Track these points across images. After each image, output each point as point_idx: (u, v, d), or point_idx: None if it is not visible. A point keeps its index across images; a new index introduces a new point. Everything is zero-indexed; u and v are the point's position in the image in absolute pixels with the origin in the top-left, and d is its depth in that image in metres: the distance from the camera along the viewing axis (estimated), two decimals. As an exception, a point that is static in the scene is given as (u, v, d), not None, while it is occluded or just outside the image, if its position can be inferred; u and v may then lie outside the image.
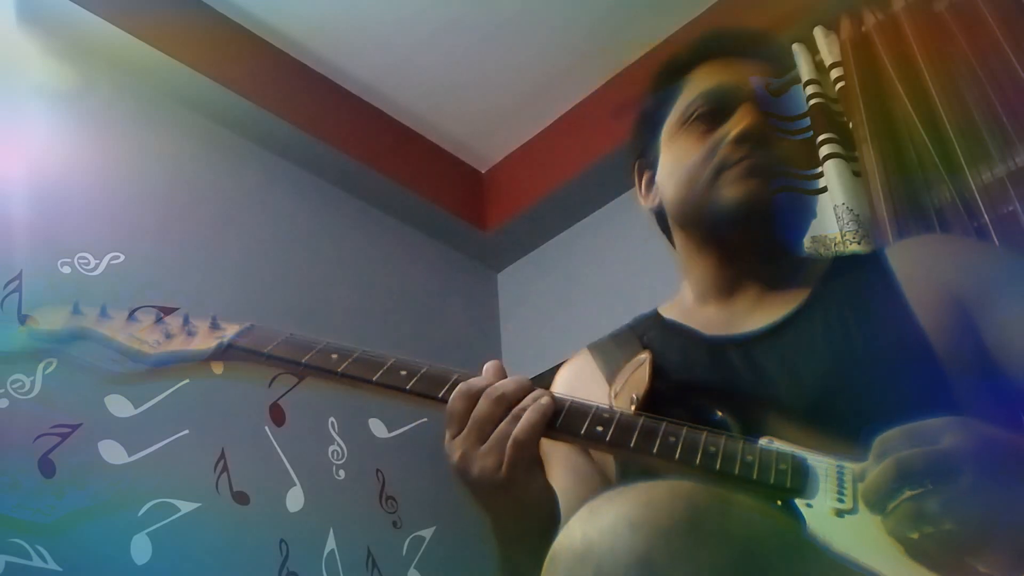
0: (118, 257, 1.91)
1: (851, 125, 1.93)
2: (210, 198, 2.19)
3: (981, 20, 1.80)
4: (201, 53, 2.18)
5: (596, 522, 0.54)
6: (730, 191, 0.91)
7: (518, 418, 0.74)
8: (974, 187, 1.70)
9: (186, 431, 1.82)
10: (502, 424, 0.74)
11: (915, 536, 0.59)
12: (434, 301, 2.66)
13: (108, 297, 1.82)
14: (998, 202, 1.68)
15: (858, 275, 0.92)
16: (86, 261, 1.86)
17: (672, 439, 0.72)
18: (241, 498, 1.88)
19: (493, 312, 2.85)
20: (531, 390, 0.77)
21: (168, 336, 0.90)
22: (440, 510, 2.21)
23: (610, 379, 0.92)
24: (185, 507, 1.76)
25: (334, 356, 0.84)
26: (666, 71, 1.04)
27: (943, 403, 0.71)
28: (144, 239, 1.98)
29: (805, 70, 2.05)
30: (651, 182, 1.04)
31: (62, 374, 1.65)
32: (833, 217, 1.84)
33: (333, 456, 2.10)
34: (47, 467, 1.62)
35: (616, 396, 0.87)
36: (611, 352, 0.98)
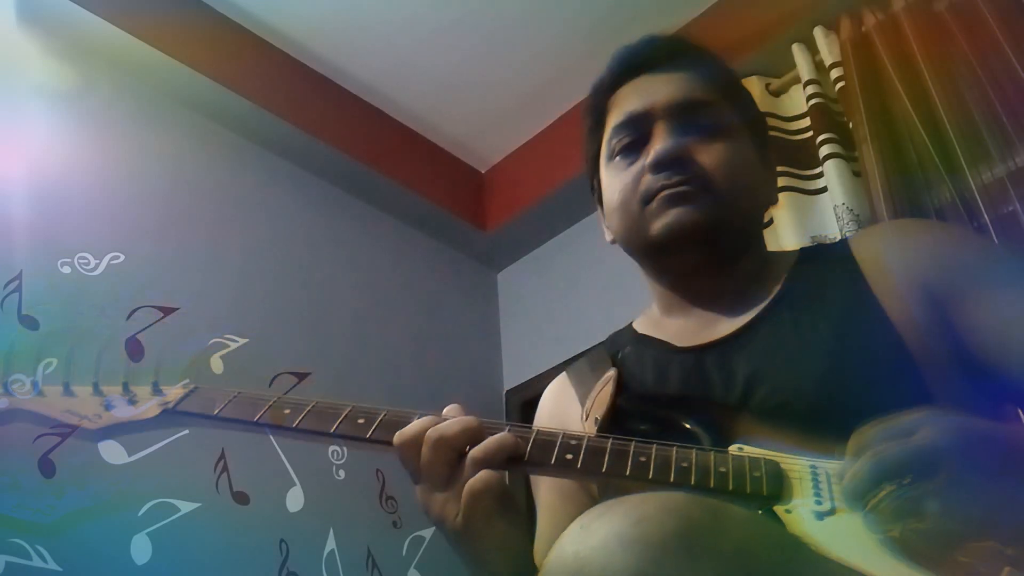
0: (118, 257, 1.91)
1: (851, 125, 1.93)
2: (210, 198, 2.19)
3: (981, 20, 1.80)
4: (201, 53, 2.18)
5: (588, 539, 0.53)
6: (656, 224, 0.89)
7: (477, 464, 0.72)
8: (974, 187, 1.70)
9: (186, 431, 1.82)
10: (465, 472, 0.72)
11: (897, 532, 0.59)
12: (434, 301, 2.66)
13: (108, 297, 1.83)
14: (998, 202, 1.68)
15: (824, 268, 0.90)
16: (86, 261, 1.86)
17: (643, 458, 0.71)
18: (241, 498, 1.88)
19: (493, 312, 2.85)
20: (478, 430, 0.74)
21: (108, 407, 0.87)
22: (440, 510, 2.20)
23: (583, 401, 0.92)
24: (185, 507, 1.76)
25: (287, 411, 0.81)
26: (588, 104, 1.03)
27: (918, 397, 0.71)
28: (144, 239, 1.98)
29: (805, 70, 2.05)
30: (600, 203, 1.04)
31: (62, 374, 1.65)
32: (833, 217, 1.84)
33: (333, 456, 2.10)
34: (47, 467, 1.62)
35: (586, 418, 0.86)
36: (584, 374, 0.97)
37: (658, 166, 0.89)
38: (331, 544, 1.99)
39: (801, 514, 0.65)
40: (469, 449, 0.73)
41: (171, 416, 0.85)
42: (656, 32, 1.06)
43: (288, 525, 1.93)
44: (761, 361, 0.83)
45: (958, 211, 1.70)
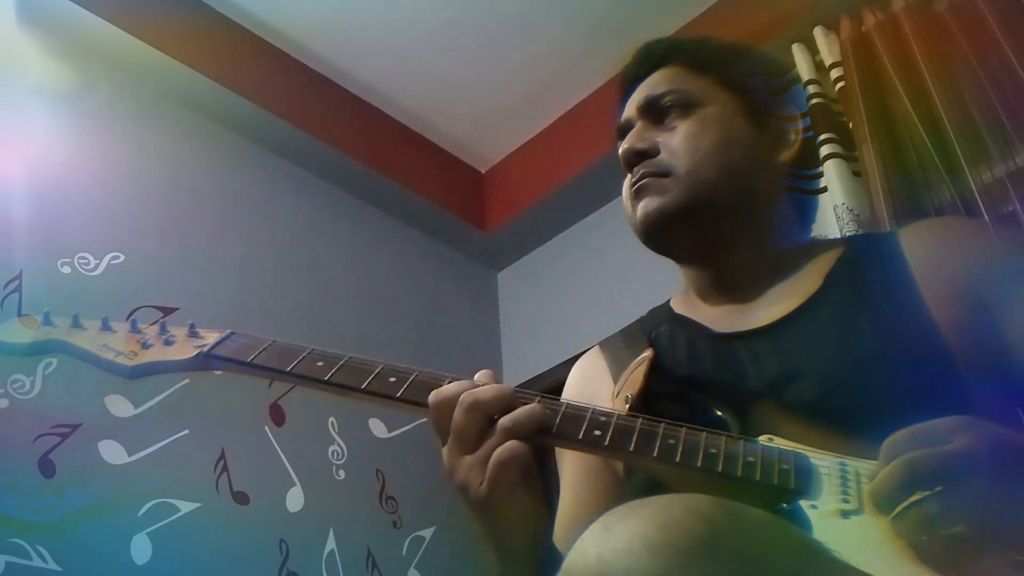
0: (118, 257, 1.91)
1: (851, 125, 1.93)
2: (210, 198, 2.19)
3: (981, 20, 1.80)
4: (201, 53, 2.18)
5: (611, 542, 0.53)
6: (634, 219, 0.95)
7: (506, 433, 0.72)
8: (974, 187, 1.70)
9: (186, 431, 1.82)
10: (490, 440, 0.72)
11: (924, 538, 0.59)
12: (434, 301, 2.66)
13: (108, 297, 1.83)
14: (998, 202, 1.68)
15: (872, 263, 0.89)
16: (86, 261, 1.86)
17: (671, 441, 0.70)
18: (241, 498, 1.88)
19: (493, 312, 2.85)
20: (512, 398, 0.74)
21: (145, 346, 0.87)
22: (440, 510, 2.20)
23: (616, 377, 0.91)
24: (185, 507, 1.76)
25: (320, 363, 0.81)
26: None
27: (954, 401, 0.70)
28: (144, 239, 1.98)
29: (805, 70, 2.05)
30: None
31: (62, 374, 1.65)
32: (833, 217, 1.84)
33: (333, 456, 2.10)
34: (47, 467, 1.62)
35: (617, 396, 0.86)
36: (619, 350, 0.97)
37: (626, 166, 0.96)
38: (331, 544, 1.99)
39: (826, 510, 0.64)
40: (499, 417, 0.73)
41: (206, 360, 0.85)
42: (660, 29, 1.10)
43: (288, 525, 1.93)
44: (798, 355, 0.83)
45: (958, 211, 1.70)
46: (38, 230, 1.80)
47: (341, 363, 0.80)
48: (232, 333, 0.87)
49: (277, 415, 2.01)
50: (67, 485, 1.62)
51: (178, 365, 0.85)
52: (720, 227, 0.92)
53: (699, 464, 0.68)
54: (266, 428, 1.99)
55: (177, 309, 1.93)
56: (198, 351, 0.85)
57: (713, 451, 0.69)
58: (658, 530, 0.51)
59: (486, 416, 0.73)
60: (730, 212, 0.92)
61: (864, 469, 0.67)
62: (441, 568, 2.17)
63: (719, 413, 0.77)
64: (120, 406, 1.76)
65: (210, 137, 2.26)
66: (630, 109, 1.00)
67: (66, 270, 1.83)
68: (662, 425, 0.72)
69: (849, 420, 0.72)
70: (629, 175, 0.96)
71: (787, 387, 0.81)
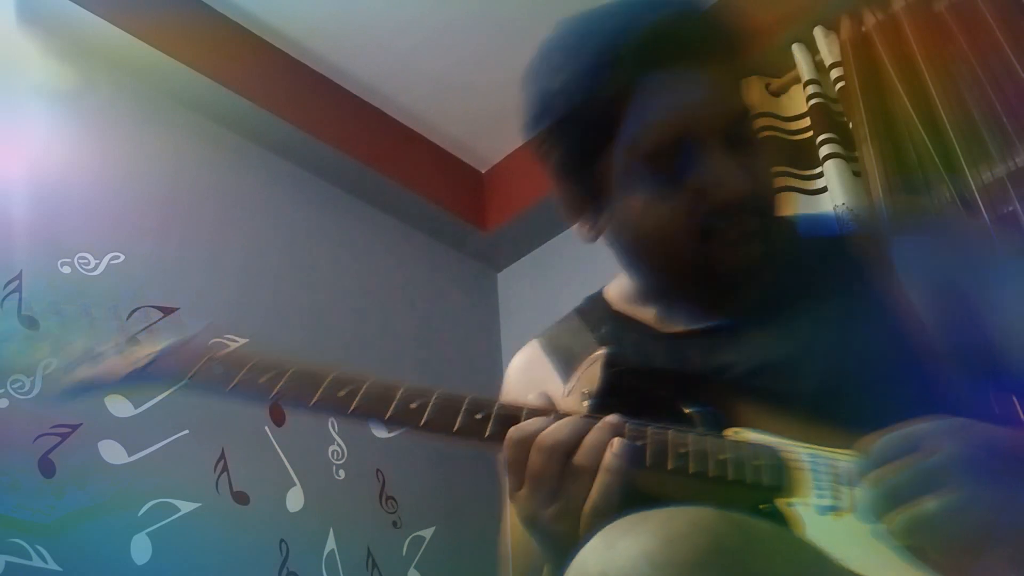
0: (118, 257, 1.91)
1: (851, 125, 1.93)
2: (210, 198, 2.19)
3: (981, 20, 1.80)
4: (201, 53, 2.18)
5: (614, 558, 0.51)
6: (725, 260, 0.78)
7: (590, 474, 0.65)
8: (974, 187, 1.70)
9: (186, 431, 1.82)
10: (575, 488, 0.65)
11: (912, 542, 0.59)
12: (434, 301, 2.66)
13: (108, 297, 1.83)
14: (998, 202, 1.68)
15: (831, 254, 0.86)
16: (86, 261, 1.86)
17: (639, 443, 0.67)
18: (241, 498, 1.88)
19: (493, 312, 2.85)
20: (587, 428, 0.67)
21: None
22: (440, 510, 2.20)
23: (563, 373, 0.87)
24: (185, 507, 1.76)
25: (342, 394, 0.76)
26: (608, 72, 0.81)
27: (928, 394, 0.69)
28: (144, 239, 1.98)
29: (805, 70, 2.05)
30: (594, 210, 0.85)
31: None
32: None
33: (333, 456, 2.10)
34: (47, 467, 1.62)
35: (569, 394, 0.81)
36: (563, 344, 0.92)
37: (729, 205, 0.76)
38: (331, 544, 1.99)
39: (803, 508, 0.64)
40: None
41: (213, 367, 0.87)
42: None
43: (288, 525, 1.93)
44: (757, 353, 0.79)
45: (958, 211, 1.70)
46: (38, 230, 1.80)
47: (362, 390, 0.75)
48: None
49: (277, 415, 2.01)
50: (67, 485, 1.62)
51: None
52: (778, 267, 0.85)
53: (669, 466, 0.66)
54: (266, 428, 1.99)
55: (177, 309, 1.93)
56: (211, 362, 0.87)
57: (682, 451, 0.67)
58: (662, 546, 0.50)
59: (567, 455, 0.66)
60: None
61: (834, 459, 0.66)
62: (441, 568, 2.17)
63: (686, 411, 0.73)
64: (120, 406, 1.76)
65: (210, 137, 2.25)
66: (691, 116, 0.76)
67: (66, 270, 1.83)
68: (626, 426, 0.68)
69: (818, 415, 0.71)
70: (709, 208, 0.76)
71: (745, 381, 0.78)
